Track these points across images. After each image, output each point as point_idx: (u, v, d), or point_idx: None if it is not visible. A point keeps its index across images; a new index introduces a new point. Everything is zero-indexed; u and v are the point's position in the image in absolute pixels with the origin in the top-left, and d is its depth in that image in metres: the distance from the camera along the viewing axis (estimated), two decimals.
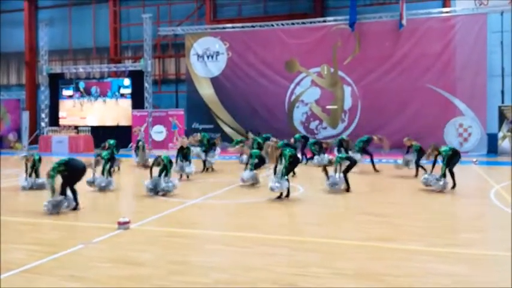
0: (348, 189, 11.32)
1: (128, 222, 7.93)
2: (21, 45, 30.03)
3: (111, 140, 15.89)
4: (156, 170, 11.29)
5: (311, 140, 17.84)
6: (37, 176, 12.50)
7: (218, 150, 16.57)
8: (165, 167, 11.16)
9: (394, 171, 14.85)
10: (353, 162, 11.56)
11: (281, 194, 10.55)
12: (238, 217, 9.06)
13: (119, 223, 7.86)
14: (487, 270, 5.84)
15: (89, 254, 6.59)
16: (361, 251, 6.64)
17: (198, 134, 16.33)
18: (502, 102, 20.70)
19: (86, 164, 9.83)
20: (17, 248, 6.80)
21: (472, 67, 20.93)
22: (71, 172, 9.41)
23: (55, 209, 9.09)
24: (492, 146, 20.61)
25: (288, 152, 10.69)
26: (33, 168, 12.50)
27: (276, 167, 10.83)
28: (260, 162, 12.59)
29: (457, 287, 5.27)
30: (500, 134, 20.20)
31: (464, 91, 21.10)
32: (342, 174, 11.37)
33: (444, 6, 22.63)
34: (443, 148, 12.20)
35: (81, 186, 12.95)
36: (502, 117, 20.14)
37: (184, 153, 13.73)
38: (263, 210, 9.60)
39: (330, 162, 11.61)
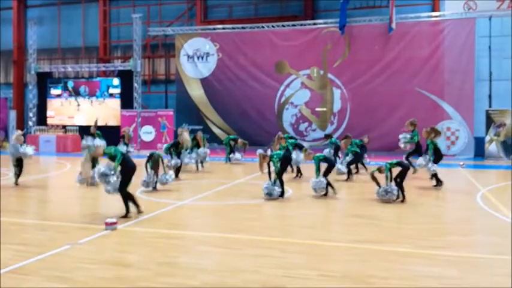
0: (403, 200, 10.43)
1: (115, 223, 7.88)
2: (9, 43, 29.73)
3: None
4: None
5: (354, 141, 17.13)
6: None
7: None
8: (158, 162, 11.75)
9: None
10: (406, 168, 10.55)
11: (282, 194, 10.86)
12: (227, 219, 9.04)
13: (106, 224, 7.80)
14: (474, 273, 5.88)
15: (76, 254, 6.53)
16: (350, 253, 6.66)
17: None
18: (490, 106, 20.90)
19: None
20: (4, 248, 6.71)
21: (460, 71, 21.09)
22: (123, 168, 8.73)
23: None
24: (479, 150, 20.78)
25: (275, 158, 10.83)
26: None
27: (269, 173, 10.92)
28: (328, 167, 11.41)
29: None
30: (488, 138, 20.38)
31: (452, 95, 21.26)
32: (393, 183, 10.44)
33: (433, 10, 22.80)
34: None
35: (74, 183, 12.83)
36: (489, 121, 20.32)
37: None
38: (253, 212, 9.59)
39: (379, 170, 10.54)
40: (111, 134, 23.30)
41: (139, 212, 8.94)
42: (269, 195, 10.71)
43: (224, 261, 6.26)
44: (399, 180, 10.43)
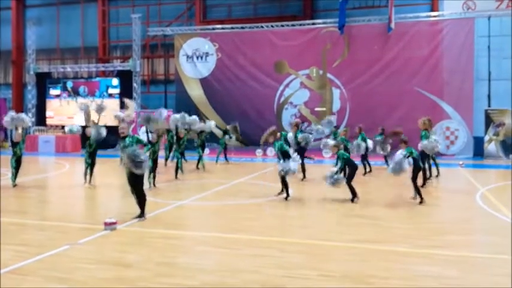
0: (415, 197, 10.18)
1: (114, 223, 7.86)
2: (8, 43, 29.72)
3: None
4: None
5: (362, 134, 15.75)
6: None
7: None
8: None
9: (386, 173, 14.90)
10: (417, 168, 10.21)
11: (282, 191, 10.75)
12: (226, 218, 9.03)
13: (106, 224, 7.78)
14: (474, 273, 5.88)
15: (75, 255, 6.52)
16: (350, 253, 6.66)
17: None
18: (489, 106, 20.92)
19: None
20: (4, 249, 6.70)
21: (459, 71, 21.13)
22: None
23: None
24: (478, 149, 20.81)
25: (277, 145, 10.60)
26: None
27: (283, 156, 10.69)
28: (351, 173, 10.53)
29: None
30: (487, 138, 20.40)
31: (452, 94, 21.29)
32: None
33: (432, 10, 22.83)
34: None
35: (69, 183, 12.80)
36: (488, 121, 20.35)
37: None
38: (252, 212, 9.58)
39: (403, 141, 10.10)
40: (109, 134, 23.37)
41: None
42: (286, 171, 10.38)
43: (223, 261, 6.25)
44: (412, 178, 10.18)
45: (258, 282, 5.46)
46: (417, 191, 10.21)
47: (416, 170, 10.22)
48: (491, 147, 20.34)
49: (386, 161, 15.79)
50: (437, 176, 14.01)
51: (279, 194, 10.91)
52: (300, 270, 5.87)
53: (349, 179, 10.41)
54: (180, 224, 8.70)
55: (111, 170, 16.25)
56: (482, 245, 7.40)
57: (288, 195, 10.70)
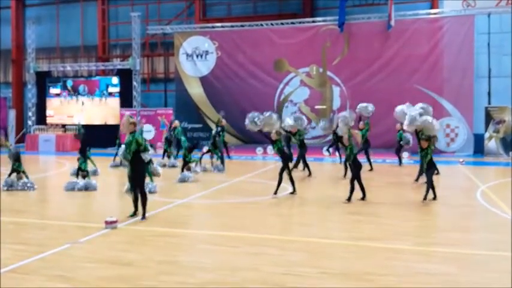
0: (434, 197, 10.16)
1: (115, 222, 7.88)
2: (8, 42, 29.68)
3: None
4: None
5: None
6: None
7: None
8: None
9: (386, 171, 14.91)
10: (433, 168, 10.28)
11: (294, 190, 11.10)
12: (226, 217, 9.05)
13: (106, 222, 7.81)
14: (473, 270, 5.90)
15: (76, 253, 6.54)
16: (349, 250, 6.68)
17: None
18: (489, 103, 20.89)
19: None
20: (4, 248, 6.72)
21: (459, 68, 21.08)
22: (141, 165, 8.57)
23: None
24: (478, 147, 20.78)
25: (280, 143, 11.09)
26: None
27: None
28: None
29: (444, 286, 5.33)
30: (487, 135, 20.39)
31: (452, 92, 21.25)
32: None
33: (432, 7, 22.79)
34: None
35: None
36: (488, 118, 20.33)
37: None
38: (251, 210, 9.60)
39: (426, 140, 10.36)
40: (110, 133, 23.39)
41: (134, 215, 8.69)
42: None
43: (224, 260, 6.27)
44: (428, 178, 10.12)
45: (257, 280, 5.48)
46: (428, 187, 10.05)
47: (431, 169, 10.12)
48: (491, 144, 20.33)
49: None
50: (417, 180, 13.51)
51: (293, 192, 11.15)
52: (300, 268, 5.89)
53: (355, 178, 10.18)
54: (181, 222, 8.71)
55: (111, 169, 16.26)
56: (482, 242, 7.41)
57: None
